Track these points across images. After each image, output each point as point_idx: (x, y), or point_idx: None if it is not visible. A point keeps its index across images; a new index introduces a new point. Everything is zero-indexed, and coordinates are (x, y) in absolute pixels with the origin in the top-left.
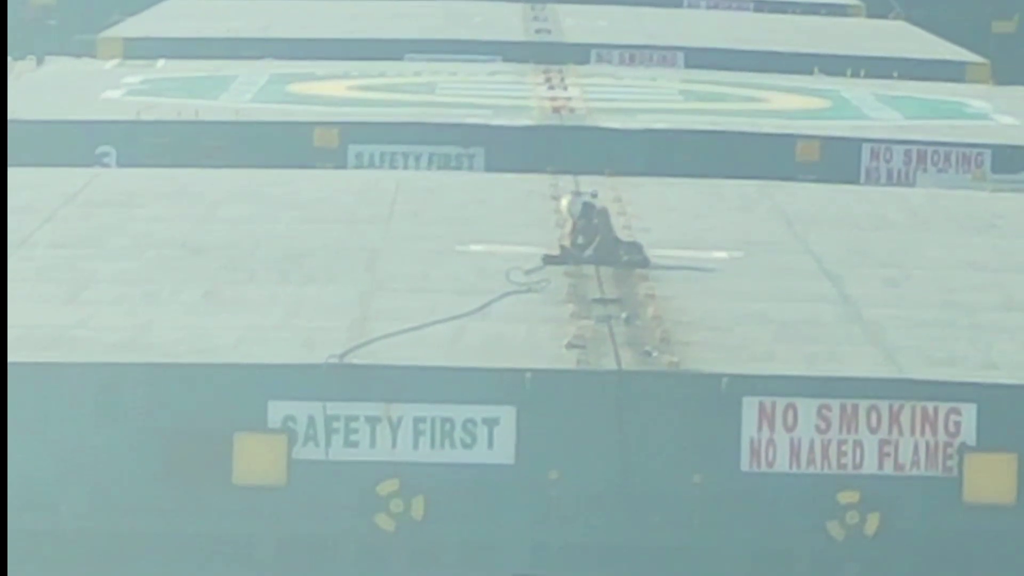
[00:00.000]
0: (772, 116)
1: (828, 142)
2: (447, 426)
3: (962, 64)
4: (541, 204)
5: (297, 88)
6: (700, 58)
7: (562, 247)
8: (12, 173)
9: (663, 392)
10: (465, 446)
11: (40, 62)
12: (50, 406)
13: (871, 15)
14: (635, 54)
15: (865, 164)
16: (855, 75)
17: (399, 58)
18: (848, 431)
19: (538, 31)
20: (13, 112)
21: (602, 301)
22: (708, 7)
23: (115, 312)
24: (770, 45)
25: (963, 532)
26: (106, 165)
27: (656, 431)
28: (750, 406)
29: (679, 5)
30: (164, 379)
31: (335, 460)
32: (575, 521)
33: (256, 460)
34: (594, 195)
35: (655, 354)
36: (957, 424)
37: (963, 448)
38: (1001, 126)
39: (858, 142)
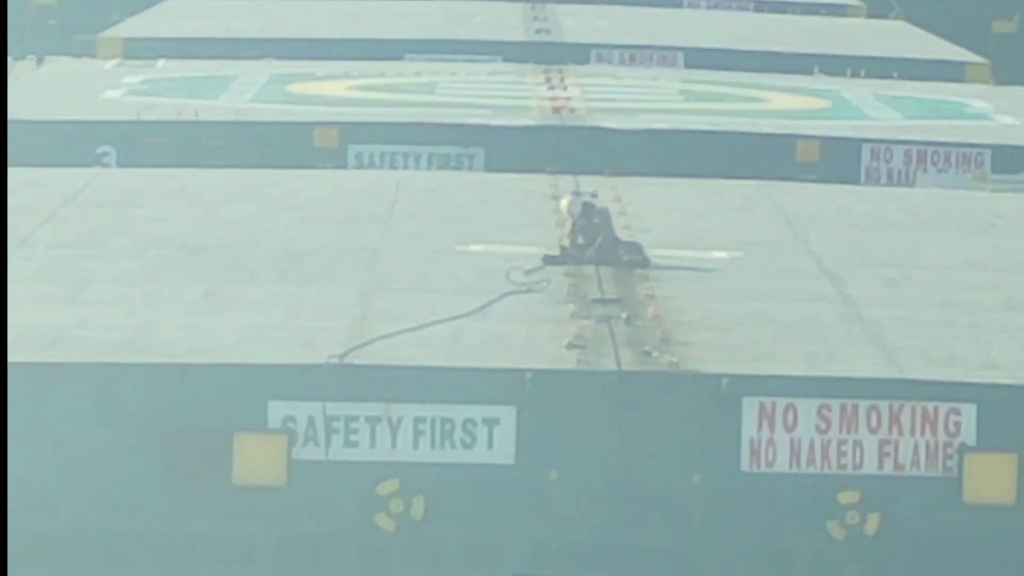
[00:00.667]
0: (772, 116)
1: (828, 142)
2: (447, 426)
3: (962, 64)
4: (541, 204)
5: (297, 88)
6: (700, 58)
7: (562, 247)
8: (12, 173)
9: (663, 392)
10: (465, 446)
11: (40, 62)
12: (50, 406)
13: (871, 15)
14: (635, 54)
15: (865, 164)
16: (855, 75)
17: (399, 58)
18: (848, 431)
19: (538, 31)
20: (13, 112)
21: (602, 301)
22: (708, 7)
23: (115, 312)
24: (770, 45)
25: (963, 532)
26: (106, 165)
27: (656, 431)
28: (750, 406)
29: (679, 5)
30: (164, 379)
31: (335, 460)
32: (575, 521)
33: (256, 460)
34: (594, 195)
35: (655, 354)
36: (957, 424)
37: (963, 448)
38: (1001, 126)
39: (858, 142)
